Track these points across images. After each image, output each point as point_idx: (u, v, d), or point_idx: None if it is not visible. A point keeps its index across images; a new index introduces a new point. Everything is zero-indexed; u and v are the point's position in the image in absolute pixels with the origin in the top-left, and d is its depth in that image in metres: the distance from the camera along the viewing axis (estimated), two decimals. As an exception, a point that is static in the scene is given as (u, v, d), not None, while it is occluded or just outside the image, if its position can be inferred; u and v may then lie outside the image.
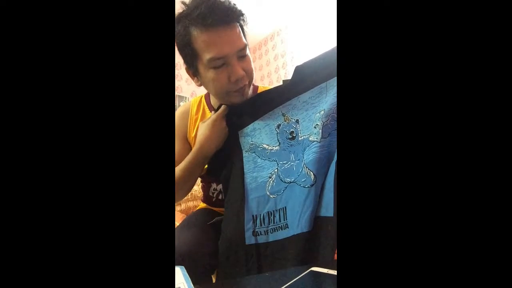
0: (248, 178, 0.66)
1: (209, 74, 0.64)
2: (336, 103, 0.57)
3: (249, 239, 0.62)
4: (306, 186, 0.58)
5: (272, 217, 0.61)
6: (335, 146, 0.57)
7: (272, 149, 0.65)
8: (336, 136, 0.57)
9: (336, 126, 0.57)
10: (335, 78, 0.58)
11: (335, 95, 0.57)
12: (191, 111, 0.83)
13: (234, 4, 0.63)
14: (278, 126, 0.65)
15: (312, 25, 2.78)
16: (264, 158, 0.66)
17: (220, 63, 0.63)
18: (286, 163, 0.63)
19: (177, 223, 0.83)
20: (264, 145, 0.66)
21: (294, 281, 0.38)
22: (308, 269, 0.41)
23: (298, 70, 0.63)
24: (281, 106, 0.65)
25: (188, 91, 3.27)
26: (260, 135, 0.67)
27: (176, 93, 3.15)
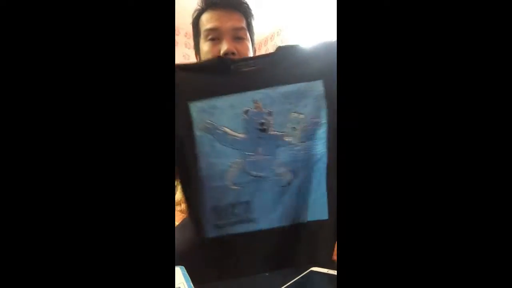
0: (203, 163, 0.58)
1: (205, 47, 0.69)
2: (317, 108, 0.58)
3: (211, 232, 0.58)
4: (280, 185, 0.58)
5: (233, 209, 0.58)
6: (315, 149, 0.58)
7: (237, 136, 0.59)
8: (315, 140, 0.58)
9: (315, 131, 0.58)
10: (319, 82, 0.57)
11: (316, 100, 0.58)
12: None
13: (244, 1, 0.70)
14: (246, 112, 0.58)
15: (312, 26, 2.78)
16: (225, 144, 0.59)
17: (215, 35, 0.67)
18: (253, 155, 0.59)
19: (177, 223, 0.83)
20: (226, 129, 0.59)
21: (294, 281, 0.38)
22: (308, 269, 0.41)
23: (281, 52, 0.60)
24: (254, 91, 0.59)
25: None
26: (221, 116, 0.59)
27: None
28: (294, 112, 0.58)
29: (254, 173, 0.59)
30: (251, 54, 0.72)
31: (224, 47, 0.66)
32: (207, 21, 0.68)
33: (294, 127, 0.58)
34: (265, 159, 0.58)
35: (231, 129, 0.59)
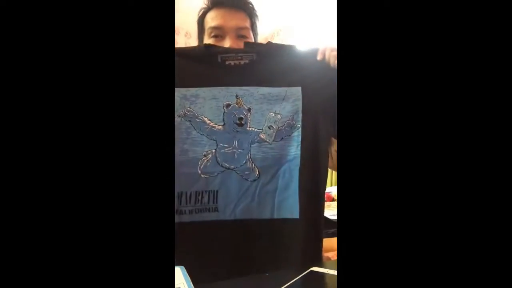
0: (176, 148, 0.60)
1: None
2: (294, 111, 0.62)
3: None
4: (249, 179, 0.61)
5: (199, 197, 0.60)
6: (287, 150, 0.62)
7: (214, 127, 0.62)
8: (289, 141, 0.62)
9: (290, 132, 0.62)
10: (298, 88, 0.62)
11: (294, 103, 0.62)
12: None
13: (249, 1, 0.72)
14: (228, 105, 0.62)
15: (312, 26, 2.78)
16: (202, 133, 0.61)
17: (218, 33, 0.69)
18: (228, 147, 0.61)
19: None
20: (205, 118, 0.61)
21: (294, 281, 0.38)
22: (308, 269, 0.41)
23: (269, 48, 0.64)
24: (237, 87, 0.62)
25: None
26: (202, 105, 0.61)
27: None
28: (272, 112, 0.62)
29: (226, 164, 0.61)
30: None
31: (226, 44, 0.67)
32: (212, 19, 0.70)
33: (270, 126, 0.62)
34: (238, 153, 0.61)
35: (210, 120, 0.61)
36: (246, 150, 0.62)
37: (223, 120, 0.62)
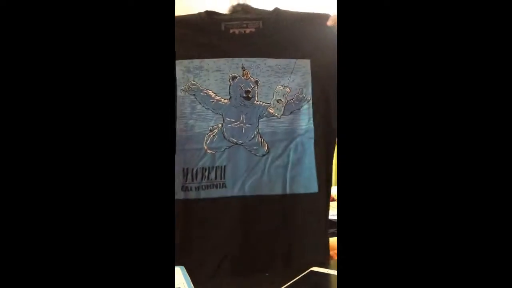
0: (181, 124, 0.58)
1: None
2: (303, 84, 0.60)
3: (177, 194, 0.58)
4: (257, 155, 0.59)
5: (206, 173, 0.59)
6: (298, 124, 0.60)
7: (220, 101, 0.60)
8: (299, 115, 0.60)
9: (300, 106, 0.60)
10: (307, 61, 0.60)
11: (303, 77, 0.60)
12: None
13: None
14: (234, 78, 0.59)
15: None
16: (207, 107, 0.59)
17: None
18: (235, 122, 0.60)
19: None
20: (210, 92, 0.59)
21: (294, 281, 0.38)
22: (308, 269, 0.41)
23: (276, 15, 0.60)
24: (243, 58, 0.59)
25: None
26: (207, 78, 0.59)
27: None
28: (281, 85, 0.60)
29: (233, 139, 0.59)
30: None
31: None
32: None
33: (279, 100, 0.60)
34: (246, 127, 0.59)
35: (215, 93, 0.59)
36: (254, 124, 0.60)
37: (229, 93, 0.59)
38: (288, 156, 0.59)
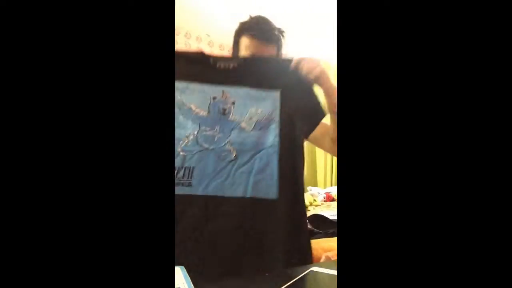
0: None
1: None
2: (272, 109, 0.70)
3: None
4: (225, 160, 0.66)
5: (175, 172, 0.65)
6: (265, 138, 0.69)
7: (199, 113, 0.69)
8: (267, 131, 0.69)
9: (269, 125, 0.70)
10: (277, 92, 0.71)
11: (273, 103, 0.70)
12: None
13: (276, 30, 0.82)
14: (214, 98, 0.70)
15: (313, 29, 2.78)
16: (187, 118, 0.69)
17: None
18: (209, 130, 0.68)
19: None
20: (192, 106, 0.69)
21: (294, 281, 0.38)
22: (308, 269, 0.41)
23: (253, 60, 0.72)
24: (225, 86, 0.70)
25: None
26: (191, 96, 0.70)
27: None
28: (254, 107, 0.70)
29: (205, 145, 0.67)
30: None
31: None
32: (246, 47, 0.80)
33: (251, 118, 0.70)
34: (218, 136, 0.68)
35: (196, 106, 0.69)
36: (226, 134, 0.68)
37: (209, 109, 0.69)
38: (253, 164, 0.66)
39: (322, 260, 0.63)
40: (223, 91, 0.70)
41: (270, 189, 0.65)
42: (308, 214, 1.23)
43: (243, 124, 0.69)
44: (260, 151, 0.67)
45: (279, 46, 0.85)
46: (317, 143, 0.78)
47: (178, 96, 0.69)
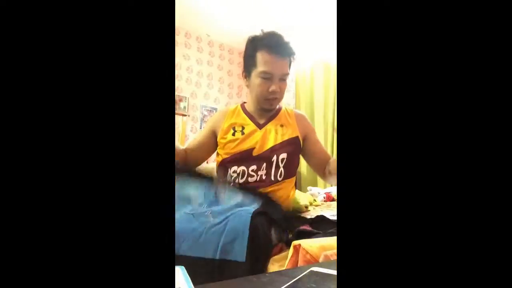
0: None
1: (257, 81, 0.95)
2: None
3: None
4: (199, 220, 0.73)
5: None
6: (241, 203, 0.79)
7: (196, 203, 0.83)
8: (246, 199, 0.81)
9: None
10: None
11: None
12: (228, 112, 1.08)
13: (291, 46, 0.95)
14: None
15: (313, 30, 2.78)
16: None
17: (267, 76, 0.94)
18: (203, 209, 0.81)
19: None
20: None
21: (294, 281, 0.38)
22: (308, 269, 0.41)
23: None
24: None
25: (188, 90, 3.28)
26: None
27: (176, 93, 3.14)
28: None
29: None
30: (288, 87, 1.02)
31: (272, 87, 0.94)
32: (264, 63, 0.93)
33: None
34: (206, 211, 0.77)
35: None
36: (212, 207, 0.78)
37: (203, 196, 0.84)
38: (226, 224, 0.69)
39: (320, 260, 0.63)
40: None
41: (239, 252, 0.67)
42: (309, 214, 1.23)
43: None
44: (234, 213, 0.71)
45: (291, 60, 0.96)
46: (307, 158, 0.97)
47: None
